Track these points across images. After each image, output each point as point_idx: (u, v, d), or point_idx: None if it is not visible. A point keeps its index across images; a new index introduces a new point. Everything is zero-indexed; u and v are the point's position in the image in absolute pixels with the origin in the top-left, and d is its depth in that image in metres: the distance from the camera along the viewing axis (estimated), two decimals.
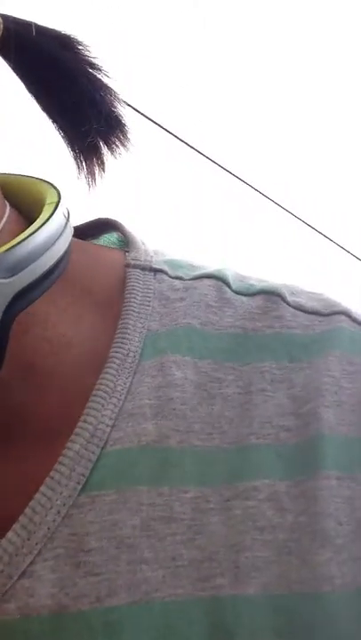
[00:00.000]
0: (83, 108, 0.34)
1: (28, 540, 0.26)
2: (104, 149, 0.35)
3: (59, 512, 0.27)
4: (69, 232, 0.30)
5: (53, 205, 0.30)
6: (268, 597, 0.25)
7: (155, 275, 0.33)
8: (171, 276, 0.34)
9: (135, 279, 0.33)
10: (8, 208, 0.32)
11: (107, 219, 0.38)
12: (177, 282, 0.33)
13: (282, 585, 0.25)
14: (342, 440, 0.28)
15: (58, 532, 0.26)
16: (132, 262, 0.34)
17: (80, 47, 0.34)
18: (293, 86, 1.73)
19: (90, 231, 0.38)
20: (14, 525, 0.27)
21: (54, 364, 0.30)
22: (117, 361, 0.30)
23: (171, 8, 1.36)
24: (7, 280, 0.26)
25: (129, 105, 0.36)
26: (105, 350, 0.30)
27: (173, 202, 1.41)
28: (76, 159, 0.35)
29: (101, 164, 0.35)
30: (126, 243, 0.36)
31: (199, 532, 0.26)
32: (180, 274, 0.34)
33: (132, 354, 0.30)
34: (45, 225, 0.29)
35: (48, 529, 0.26)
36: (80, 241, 0.35)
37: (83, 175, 0.35)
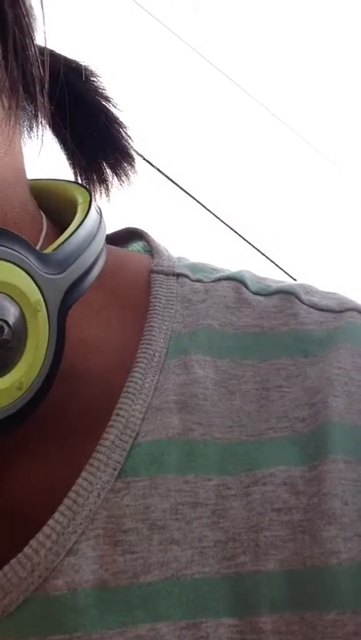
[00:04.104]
0: (99, 143, 0.36)
1: (73, 520, 0.28)
2: (112, 179, 0.37)
3: (99, 495, 0.29)
4: (104, 228, 0.32)
5: (87, 204, 0.32)
6: (285, 572, 0.28)
7: (177, 279, 0.35)
8: (192, 280, 0.36)
9: (159, 284, 0.35)
10: (44, 218, 0.34)
11: (133, 228, 0.40)
12: (198, 284, 0.35)
13: (297, 560, 0.28)
14: (351, 427, 0.30)
15: (98, 513, 0.28)
16: (156, 268, 0.36)
17: (95, 79, 0.36)
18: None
19: (118, 240, 0.40)
20: (60, 507, 0.28)
21: (90, 365, 0.32)
22: (145, 360, 0.32)
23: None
24: (59, 276, 0.28)
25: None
26: (133, 351, 0.32)
27: None
28: (76, 178, 0.37)
29: (106, 190, 0.37)
30: (151, 250, 0.38)
31: (222, 515, 0.29)
32: (200, 277, 0.36)
33: (157, 354, 0.32)
34: (84, 222, 0.31)
35: (90, 510, 0.28)
36: (109, 246, 0.36)
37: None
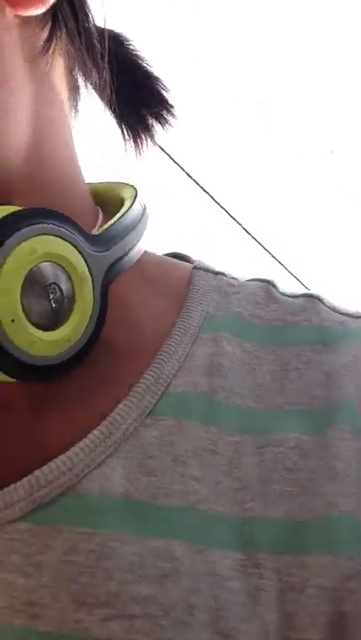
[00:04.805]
0: (141, 96, 0.41)
1: (108, 438, 0.33)
2: (156, 126, 0.42)
3: (131, 424, 0.33)
4: (146, 218, 0.38)
5: (132, 199, 0.38)
6: (289, 521, 0.32)
7: (215, 275, 0.41)
8: (228, 277, 0.41)
9: (199, 277, 0.40)
10: (100, 212, 0.40)
11: (179, 252, 0.45)
12: (233, 281, 0.40)
13: (300, 512, 0.32)
14: (358, 406, 0.34)
15: (129, 440, 0.33)
16: (198, 265, 0.41)
17: (130, 43, 0.42)
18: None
19: None
20: (99, 427, 0.33)
21: (127, 338, 0.37)
22: (180, 331, 0.37)
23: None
24: (104, 253, 0.34)
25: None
26: (170, 328, 0.37)
27: None
28: (123, 132, 0.42)
29: (151, 136, 0.43)
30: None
31: (237, 467, 0.33)
32: (235, 276, 0.41)
33: (192, 328, 0.37)
34: (128, 212, 0.37)
35: (122, 435, 0.33)
36: (156, 254, 0.42)
37: (129, 144, 0.43)
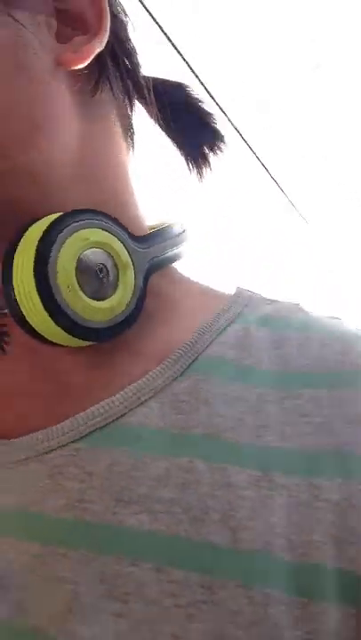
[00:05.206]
0: (200, 131, 0.50)
1: (148, 387, 0.40)
2: (210, 154, 0.50)
3: (166, 379, 0.40)
4: (186, 235, 0.46)
5: (173, 221, 0.46)
6: (302, 452, 0.36)
7: (253, 293, 0.47)
8: (265, 296, 0.47)
9: (240, 292, 0.47)
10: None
11: None
12: (268, 299, 0.47)
13: (313, 446, 0.36)
14: None
15: (164, 390, 0.40)
16: (240, 286, 0.48)
17: (189, 89, 0.50)
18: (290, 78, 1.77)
19: None
20: (140, 379, 0.40)
21: (164, 317, 0.44)
22: (215, 322, 0.43)
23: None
24: (145, 250, 0.42)
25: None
26: (207, 320, 0.43)
27: None
28: (188, 165, 0.50)
29: (209, 165, 0.50)
30: None
31: (259, 411, 0.38)
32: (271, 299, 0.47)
33: (225, 320, 0.43)
34: (168, 227, 0.45)
35: (159, 384, 0.40)
36: (208, 286, 0.49)
37: (194, 174, 0.51)
